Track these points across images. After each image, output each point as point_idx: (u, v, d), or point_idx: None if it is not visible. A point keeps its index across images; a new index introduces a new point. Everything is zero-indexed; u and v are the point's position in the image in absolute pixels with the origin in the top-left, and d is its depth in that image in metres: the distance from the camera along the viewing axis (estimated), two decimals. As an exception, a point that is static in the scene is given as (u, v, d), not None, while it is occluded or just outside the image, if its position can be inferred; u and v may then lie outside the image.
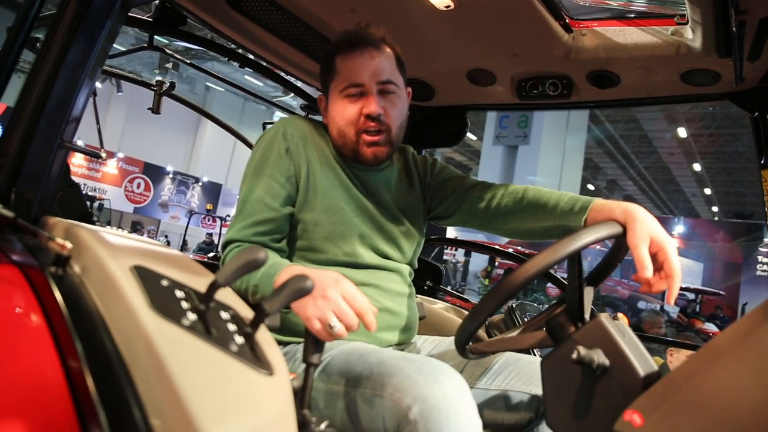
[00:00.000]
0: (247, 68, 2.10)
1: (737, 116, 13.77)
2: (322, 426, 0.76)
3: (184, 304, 0.66)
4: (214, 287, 0.65)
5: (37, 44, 0.99)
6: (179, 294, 0.68)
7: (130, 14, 1.27)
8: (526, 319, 1.72)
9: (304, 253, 1.21)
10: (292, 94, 2.20)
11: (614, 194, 23.72)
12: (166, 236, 16.10)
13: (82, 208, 2.35)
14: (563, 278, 1.77)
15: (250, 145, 2.22)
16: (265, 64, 1.91)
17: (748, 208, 20.73)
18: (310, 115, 2.10)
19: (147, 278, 0.67)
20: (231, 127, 2.75)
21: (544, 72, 1.74)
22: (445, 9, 1.44)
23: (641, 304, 14.20)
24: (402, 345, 1.27)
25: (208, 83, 18.83)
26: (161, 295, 0.65)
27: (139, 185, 17.91)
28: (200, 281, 0.73)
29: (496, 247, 3.61)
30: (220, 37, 1.73)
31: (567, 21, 1.54)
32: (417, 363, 0.94)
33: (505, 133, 15.59)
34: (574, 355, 0.84)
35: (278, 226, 1.17)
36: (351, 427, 0.97)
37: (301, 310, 0.89)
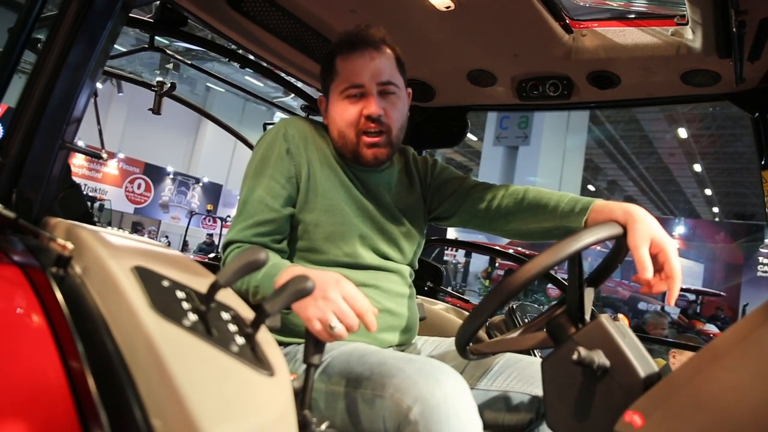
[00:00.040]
0: (247, 69, 2.10)
1: (738, 117, 13.76)
2: (323, 426, 0.76)
3: (185, 305, 0.66)
4: (214, 288, 0.65)
5: (39, 45, 1.00)
6: (180, 294, 0.68)
7: (130, 15, 1.27)
8: (526, 320, 1.72)
9: (305, 253, 1.21)
10: (293, 95, 2.20)
11: (615, 195, 23.71)
12: (167, 236, 16.11)
13: (83, 208, 2.35)
14: (564, 279, 1.77)
15: (250, 146, 2.22)
16: (265, 64, 1.92)
17: (748, 209, 20.71)
18: (310, 116, 2.10)
19: (148, 279, 0.67)
20: (231, 128, 2.75)
21: (545, 72, 1.74)
22: (445, 9, 1.44)
23: (642, 305, 14.19)
24: (402, 346, 1.27)
25: (208, 84, 18.84)
26: (162, 296, 0.65)
27: (139, 186, 17.92)
28: (201, 282, 0.73)
29: (497, 247, 3.61)
30: (220, 38, 1.73)
31: (567, 21, 1.54)
32: (417, 364, 0.94)
33: (506, 134, 15.58)
34: (575, 356, 0.84)
35: (279, 227, 1.17)
36: (351, 427, 0.98)
37: (301, 311, 0.89)
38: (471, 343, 1.04)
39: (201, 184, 19.28)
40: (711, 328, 10.45)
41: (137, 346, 0.58)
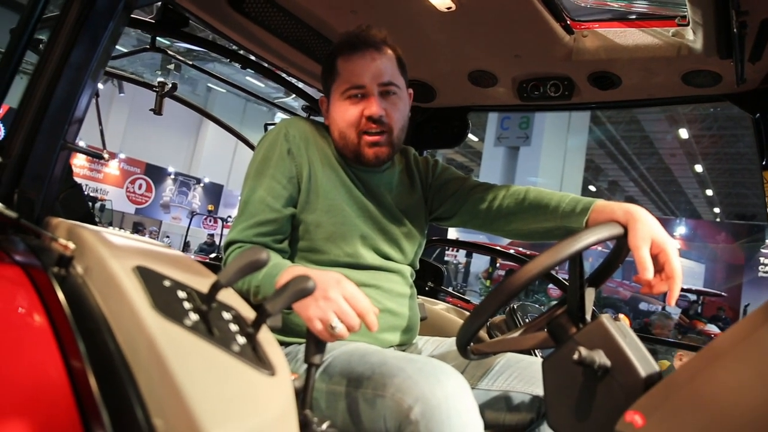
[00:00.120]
0: (248, 69, 2.10)
1: (739, 117, 13.73)
2: (324, 426, 0.76)
3: (186, 305, 0.66)
4: (216, 288, 0.65)
5: (40, 46, 1.00)
6: (181, 294, 0.68)
7: (132, 16, 1.27)
8: (527, 320, 1.71)
9: (306, 253, 1.21)
10: (294, 96, 2.20)
11: (615, 195, 23.69)
12: (168, 237, 16.11)
13: (85, 208, 2.35)
14: (564, 279, 1.77)
15: (251, 146, 2.22)
16: (266, 65, 1.92)
17: (749, 210, 20.69)
18: (311, 117, 2.11)
19: (149, 279, 0.67)
20: (232, 128, 2.75)
21: (546, 73, 1.74)
22: (446, 10, 1.44)
23: (643, 306, 14.17)
24: (403, 346, 1.27)
25: (209, 84, 18.85)
26: (163, 296, 0.65)
27: (140, 186, 17.92)
28: (202, 282, 0.73)
29: (498, 248, 3.61)
30: (221, 39, 1.74)
31: (568, 22, 1.54)
32: (418, 363, 0.94)
33: (507, 134, 15.58)
34: (576, 356, 0.84)
35: (280, 227, 1.17)
36: (352, 427, 0.98)
37: (302, 311, 0.89)
38: (472, 343, 1.04)
39: (202, 185, 19.28)
40: (712, 329, 10.43)
41: (139, 346, 0.59)
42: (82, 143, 1.12)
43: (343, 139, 1.23)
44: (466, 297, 2.69)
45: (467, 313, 1.59)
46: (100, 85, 1.20)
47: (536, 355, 1.54)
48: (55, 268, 0.71)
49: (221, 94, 19.14)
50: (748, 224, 17.93)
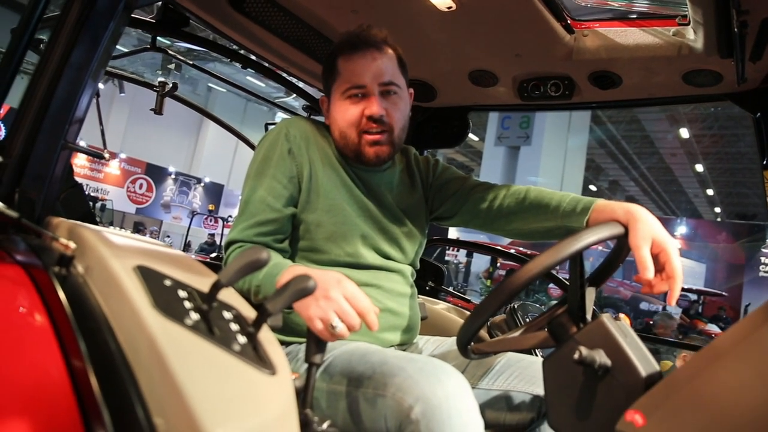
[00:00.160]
0: (249, 69, 2.11)
1: (739, 117, 13.72)
2: (324, 425, 0.76)
3: (187, 304, 0.66)
4: (216, 287, 0.65)
5: (41, 45, 1.00)
6: (182, 294, 0.68)
7: (132, 15, 1.27)
8: (527, 320, 1.71)
9: (307, 253, 1.21)
10: (294, 95, 2.20)
11: (616, 195, 23.67)
12: (168, 236, 16.12)
13: (85, 208, 2.35)
14: (565, 279, 1.77)
15: (252, 146, 2.22)
16: (267, 65, 1.92)
17: (750, 209, 20.67)
18: (312, 116, 2.11)
19: (150, 278, 0.67)
20: (233, 128, 2.76)
21: (546, 73, 1.74)
22: (446, 10, 1.44)
23: (643, 305, 14.16)
24: (404, 345, 1.27)
25: (210, 84, 18.85)
26: (164, 295, 0.65)
27: (141, 186, 17.93)
28: (203, 281, 0.73)
29: (498, 247, 3.61)
30: (222, 38, 1.74)
31: (569, 22, 1.54)
32: (419, 363, 0.94)
33: (507, 134, 15.57)
34: (576, 356, 0.84)
35: (281, 227, 1.17)
36: (353, 426, 0.98)
37: (303, 311, 0.89)
38: (472, 343, 1.04)
39: (202, 185, 19.29)
40: (713, 328, 10.43)
41: (139, 345, 0.59)
42: (82, 143, 1.12)
43: (343, 139, 1.23)
44: (466, 297, 2.69)
45: (468, 313, 1.59)
46: (100, 85, 1.20)
47: (537, 355, 1.54)
48: (56, 268, 0.72)
49: (222, 94, 19.14)
50: (748, 224, 17.93)
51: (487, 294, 0.99)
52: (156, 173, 18.16)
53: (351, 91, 1.21)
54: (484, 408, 1.08)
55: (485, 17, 1.48)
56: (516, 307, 1.78)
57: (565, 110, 1.97)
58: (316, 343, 0.86)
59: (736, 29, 1.19)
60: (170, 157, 18.68)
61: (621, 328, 0.90)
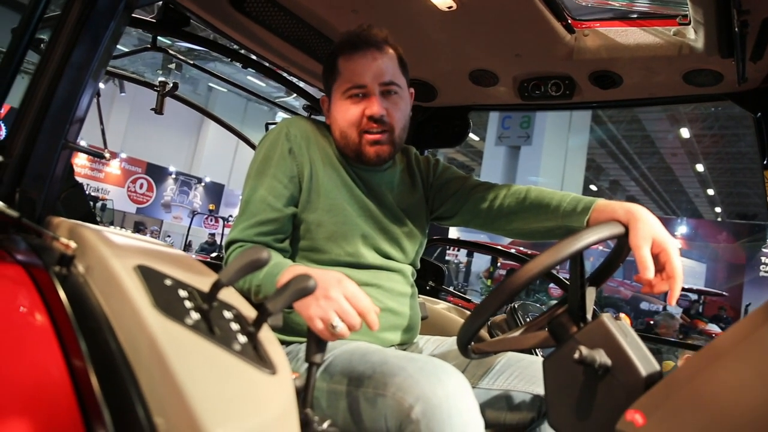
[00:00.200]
0: (249, 69, 2.10)
1: (740, 117, 13.72)
2: (325, 425, 0.76)
3: (188, 304, 0.66)
4: (217, 287, 0.65)
5: (42, 45, 1.00)
6: (182, 293, 0.68)
7: (133, 15, 1.27)
8: (528, 319, 1.72)
9: (307, 253, 1.21)
10: (295, 95, 2.20)
11: (617, 195, 23.67)
12: (169, 236, 16.13)
13: (86, 208, 2.35)
14: (565, 278, 1.77)
15: (252, 146, 2.22)
16: (267, 64, 1.92)
17: (751, 209, 20.66)
18: (312, 116, 2.11)
19: (150, 278, 0.67)
20: (233, 128, 2.76)
21: (547, 72, 1.74)
22: (447, 9, 1.44)
23: (644, 305, 14.16)
24: (404, 345, 1.27)
25: (210, 84, 18.85)
26: (165, 295, 0.65)
27: (141, 185, 17.94)
28: (203, 281, 0.73)
29: (499, 247, 3.61)
30: (222, 38, 1.74)
31: (569, 21, 1.54)
32: (419, 363, 0.94)
33: (508, 134, 15.57)
34: (576, 355, 0.84)
35: (281, 227, 1.17)
36: (353, 426, 0.98)
37: (303, 310, 0.89)
38: (473, 342, 1.04)
39: (203, 184, 19.29)
40: (713, 328, 10.42)
41: (140, 345, 0.59)
42: (83, 143, 1.12)
43: (344, 139, 1.23)
44: (467, 296, 2.69)
45: (468, 313, 1.59)
46: (101, 85, 1.20)
47: (537, 355, 1.54)
48: (56, 267, 0.72)
49: (222, 94, 19.14)
50: (749, 224, 17.91)
51: (488, 294, 0.99)
52: (156, 173, 18.17)
53: (352, 91, 1.21)
54: (484, 407, 1.08)
55: (486, 17, 1.48)
56: (516, 306, 1.78)
57: (566, 110, 1.97)
58: (317, 343, 0.86)
59: (736, 29, 1.19)
60: (171, 157, 18.69)
61: (621, 328, 0.90)
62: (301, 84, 2.09)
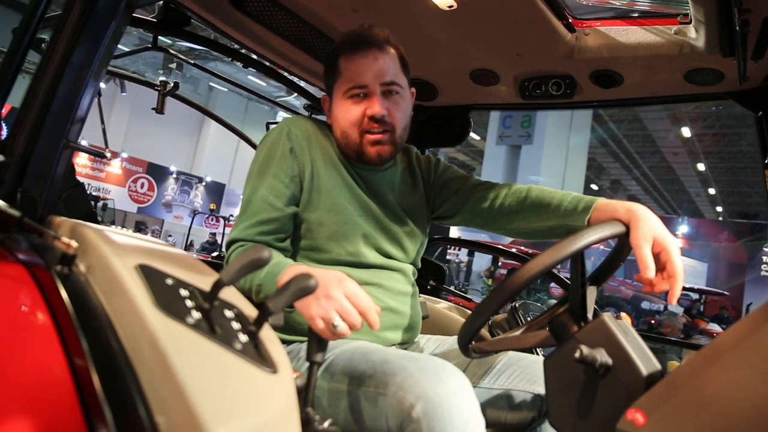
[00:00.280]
0: (250, 68, 2.10)
1: (741, 116, 13.70)
2: (326, 424, 0.76)
3: (189, 303, 0.66)
4: (218, 286, 0.65)
5: (43, 45, 1.00)
6: (184, 293, 0.68)
7: (134, 15, 1.27)
8: (529, 319, 1.72)
9: (308, 252, 1.21)
10: (296, 95, 2.20)
11: (618, 194, 23.66)
12: (170, 235, 16.14)
13: (87, 207, 2.35)
14: (566, 278, 1.77)
15: (253, 145, 2.23)
16: (268, 64, 1.92)
17: (752, 208, 20.63)
18: (313, 115, 2.11)
19: (152, 277, 0.67)
20: (234, 127, 2.76)
21: (547, 71, 1.74)
22: (447, 9, 1.44)
23: (645, 305, 14.16)
24: (405, 344, 1.27)
25: (211, 83, 18.86)
26: (166, 294, 0.65)
27: (142, 185, 17.94)
28: (204, 280, 0.74)
29: (500, 246, 3.61)
30: (223, 38, 1.74)
31: (570, 20, 1.54)
32: (420, 362, 0.94)
33: (509, 133, 15.56)
34: (577, 354, 0.84)
35: (282, 226, 1.18)
36: (354, 425, 0.98)
37: (304, 309, 0.89)
38: (473, 342, 1.04)
39: (204, 184, 19.30)
40: (714, 328, 10.41)
41: (141, 344, 0.59)
42: (84, 142, 1.12)
43: (345, 138, 1.23)
44: (467, 296, 2.69)
45: (469, 312, 1.59)
46: (102, 84, 1.20)
47: (538, 354, 1.54)
48: (58, 267, 0.72)
49: (223, 93, 19.14)
50: (750, 223, 17.89)
51: (489, 293, 0.99)
52: (157, 172, 18.17)
53: (353, 91, 1.21)
54: (485, 407, 1.08)
55: (486, 16, 1.48)
56: (517, 306, 1.78)
57: (567, 109, 1.97)
58: (318, 342, 0.86)
59: (737, 28, 1.19)
60: (172, 157, 18.69)
61: (622, 327, 0.90)
62: (302, 83, 2.09)
